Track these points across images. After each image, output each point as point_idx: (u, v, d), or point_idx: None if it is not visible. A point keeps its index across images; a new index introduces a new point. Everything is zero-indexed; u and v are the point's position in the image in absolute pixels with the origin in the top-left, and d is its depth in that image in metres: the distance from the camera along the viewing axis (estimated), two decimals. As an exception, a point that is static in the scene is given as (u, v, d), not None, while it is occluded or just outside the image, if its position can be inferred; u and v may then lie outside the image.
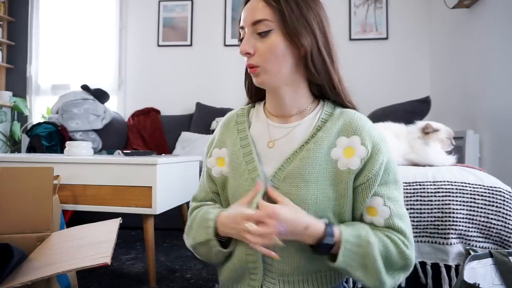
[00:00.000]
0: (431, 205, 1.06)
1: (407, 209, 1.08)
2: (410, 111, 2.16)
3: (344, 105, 0.78)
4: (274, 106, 0.79)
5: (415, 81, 3.08)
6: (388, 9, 3.14)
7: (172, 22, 3.42)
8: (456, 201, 1.05)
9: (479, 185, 1.07)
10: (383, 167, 0.71)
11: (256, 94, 0.85)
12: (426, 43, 3.10)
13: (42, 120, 3.09)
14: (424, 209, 1.07)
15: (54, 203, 1.29)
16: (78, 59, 3.45)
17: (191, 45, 3.39)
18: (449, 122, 2.07)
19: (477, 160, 2.13)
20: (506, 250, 0.98)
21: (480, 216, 1.04)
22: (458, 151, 1.60)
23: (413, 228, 1.08)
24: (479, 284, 0.88)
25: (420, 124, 1.33)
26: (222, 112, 2.98)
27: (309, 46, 0.71)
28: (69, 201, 1.62)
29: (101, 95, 2.96)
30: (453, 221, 1.04)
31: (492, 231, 1.04)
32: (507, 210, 1.03)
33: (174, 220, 2.11)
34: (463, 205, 1.05)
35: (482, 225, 1.04)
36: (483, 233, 1.04)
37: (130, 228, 2.51)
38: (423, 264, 1.08)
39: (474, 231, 1.04)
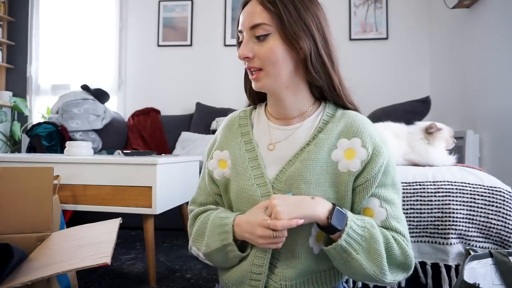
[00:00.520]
0: (431, 205, 1.06)
1: (407, 209, 1.08)
2: (410, 111, 2.16)
3: (345, 107, 0.78)
4: (275, 108, 0.79)
5: (415, 81, 3.08)
6: (388, 9, 3.14)
7: (172, 22, 3.42)
8: (456, 201, 1.05)
9: (479, 185, 1.07)
10: (382, 169, 0.72)
11: (257, 96, 0.85)
12: (426, 43, 3.10)
13: (42, 120, 3.09)
14: (424, 209, 1.07)
15: (54, 203, 1.29)
16: (78, 59, 3.45)
17: (191, 45, 3.39)
18: (449, 122, 2.07)
19: (477, 160, 2.13)
20: (506, 250, 0.98)
21: (480, 216, 1.04)
22: (458, 151, 1.60)
23: (413, 228, 1.08)
24: (479, 284, 0.88)
25: (421, 124, 1.32)
26: (222, 112, 2.98)
27: (308, 49, 0.71)
28: (69, 201, 1.62)
29: (101, 95, 2.96)
30: (453, 221, 1.04)
31: (492, 231, 1.03)
32: (507, 210, 1.03)
33: (174, 220, 2.11)
34: (463, 205, 1.05)
35: (482, 225, 1.04)
36: (483, 233, 1.04)
37: (130, 228, 2.51)
38: (423, 264, 1.08)
39: (474, 231, 1.04)
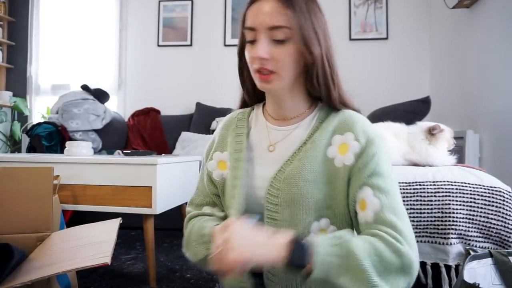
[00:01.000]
0: (431, 205, 1.06)
1: (407, 209, 1.08)
2: (410, 111, 2.15)
3: (338, 108, 0.78)
4: (274, 109, 0.80)
5: (415, 81, 3.08)
6: (388, 9, 3.14)
7: (172, 22, 3.42)
8: (456, 201, 1.05)
9: (479, 185, 1.07)
10: (375, 159, 0.70)
11: (254, 97, 0.85)
12: (426, 43, 3.09)
13: (42, 120, 3.09)
14: (424, 209, 1.07)
15: (54, 203, 1.29)
16: (78, 59, 3.45)
17: (191, 45, 3.39)
18: (449, 122, 2.07)
19: (477, 160, 2.13)
20: (506, 250, 0.98)
21: (480, 216, 1.04)
22: (458, 151, 1.60)
23: (413, 228, 1.08)
24: (479, 284, 0.88)
25: (423, 125, 1.32)
26: (222, 112, 2.98)
27: (319, 54, 0.72)
28: (69, 201, 1.62)
29: (101, 95, 2.96)
30: (453, 221, 1.04)
31: (492, 231, 1.04)
32: (507, 210, 1.03)
33: (174, 220, 2.11)
34: (463, 205, 1.05)
35: (482, 225, 1.04)
36: (483, 233, 1.04)
37: (130, 228, 2.51)
38: (423, 264, 1.08)
39: (474, 231, 1.04)
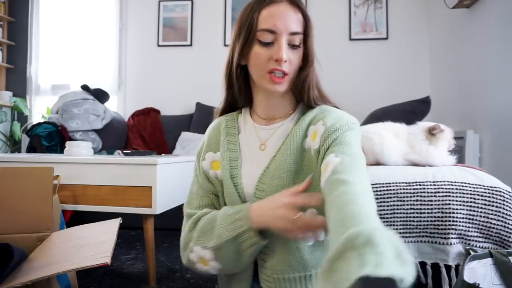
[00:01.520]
0: (431, 205, 1.06)
1: (407, 209, 1.08)
2: (410, 111, 2.15)
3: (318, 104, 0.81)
4: (265, 109, 0.83)
5: (415, 81, 3.08)
6: (388, 9, 3.14)
7: (172, 22, 3.42)
8: (456, 201, 1.05)
9: (479, 185, 1.07)
10: (340, 131, 0.71)
11: (244, 100, 0.86)
12: (426, 43, 3.09)
13: (42, 120, 3.09)
14: (424, 209, 1.07)
15: (54, 203, 1.29)
16: (78, 59, 3.45)
17: (191, 45, 3.39)
18: (449, 122, 2.07)
19: (477, 160, 2.13)
20: (506, 250, 0.98)
21: (480, 216, 1.04)
22: (458, 151, 1.60)
23: (413, 228, 1.08)
24: (479, 284, 0.88)
25: (423, 125, 1.32)
26: (222, 112, 2.97)
27: (313, 60, 0.78)
28: (69, 201, 1.62)
29: (101, 95, 2.96)
30: (453, 221, 1.04)
31: (492, 231, 1.04)
32: (507, 210, 1.03)
33: (174, 220, 2.10)
34: (463, 205, 1.05)
35: (482, 225, 1.04)
36: (483, 233, 1.04)
37: (130, 228, 2.51)
38: (423, 264, 1.08)
39: (474, 231, 1.04)
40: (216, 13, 3.35)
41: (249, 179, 0.78)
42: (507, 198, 1.04)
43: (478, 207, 1.04)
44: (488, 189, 1.06)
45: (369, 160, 1.25)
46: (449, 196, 1.06)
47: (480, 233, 1.04)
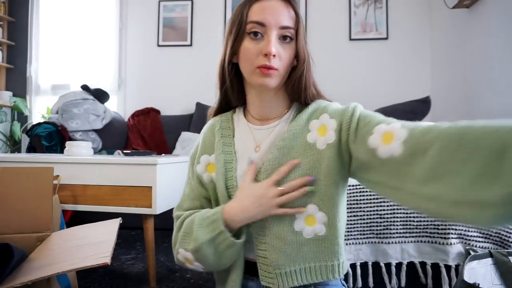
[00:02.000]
0: (431, 205, 1.06)
1: (408, 209, 1.08)
2: (410, 111, 2.16)
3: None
4: (258, 109, 0.81)
5: (415, 81, 3.08)
6: (388, 9, 3.14)
7: (172, 22, 3.42)
8: (456, 201, 1.05)
9: (479, 185, 1.07)
10: (359, 111, 0.71)
11: (237, 99, 0.85)
12: (426, 43, 3.10)
13: (42, 120, 3.09)
14: (424, 209, 1.07)
15: (54, 203, 1.29)
16: (78, 59, 3.45)
17: (191, 45, 3.39)
18: (449, 122, 2.07)
19: (477, 160, 2.13)
20: (506, 250, 0.98)
21: (480, 216, 1.04)
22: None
23: (413, 228, 1.08)
24: (479, 284, 0.88)
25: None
26: (222, 112, 2.98)
27: (306, 58, 0.76)
28: (69, 201, 1.62)
29: (101, 95, 2.95)
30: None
31: (492, 231, 1.04)
32: (507, 210, 1.03)
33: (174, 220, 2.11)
34: (463, 205, 1.04)
35: (482, 225, 1.04)
36: (483, 233, 1.04)
37: (130, 228, 2.51)
38: (423, 264, 1.08)
39: (474, 231, 1.04)
40: (216, 13, 3.35)
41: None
42: (507, 198, 1.04)
43: (478, 207, 1.04)
44: (488, 189, 1.06)
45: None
46: (449, 196, 1.05)
47: (480, 233, 1.04)
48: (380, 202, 1.10)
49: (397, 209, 1.09)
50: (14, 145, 3.44)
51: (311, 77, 0.78)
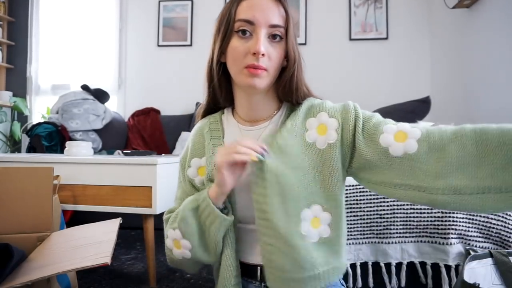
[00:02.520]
0: (431, 205, 1.06)
1: (407, 209, 1.08)
2: (410, 111, 2.16)
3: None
4: (246, 110, 0.79)
5: (415, 81, 3.08)
6: (388, 9, 3.14)
7: (172, 22, 3.42)
8: (456, 201, 1.05)
9: (479, 185, 1.07)
10: (361, 112, 0.72)
11: (225, 100, 0.82)
12: (426, 43, 3.09)
13: (42, 120, 3.09)
14: (424, 209, 1.07)
15: (54, 203, 1.29)
16: (78, 59, 3.45)
17: (191, 45, 3.39)
18: (449, 122, 2.07)
19: (477, 160, 2.13)
20: (506, 250, 0.98)
21: (480, 216, 1.04)
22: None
23: (413, 228, 1.08)
24: (479, 284, 0.88)
25: (425, 125, 1.32)
26: (222, 112, 2.98)
27: (297, 58, 0.73)
28: (69, 201, 1.62)
29: (101, 95, 2.96)
30: (453, 221, 1.04)
31: (492, 231, 1.03)
32: (507, 210, 1.03)
33: (174, 220, 2.11)
34: (463, 205, 1.05)
35: (482, 225, 1.04)
36: (483, 233, 1.04)
37: (130, 228, 2.51)
38: (423, 264, 1.08)
39: (474, 231, 1.04)
40: (216, 13, 3.30)
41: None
42: (507, 198, 1.04)
43: (478, 207, 1.04)
44: (488, 189, 1.06)
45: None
46: (449, 196, 1.05)
47: (480, 233, 1.04)
48: (380, 202, 1.10)
49: (397, 209, 1.09)
50: (14, 145, 3.44)
51: (302, 78, 0.76)
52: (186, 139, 2.96)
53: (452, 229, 1.04)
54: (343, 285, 0.80)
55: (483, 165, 0.57)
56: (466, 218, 1.05)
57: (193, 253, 0.75)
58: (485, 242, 1.04)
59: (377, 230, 1.11)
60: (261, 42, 0.69)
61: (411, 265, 1.11)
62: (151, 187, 1.55)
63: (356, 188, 1.12)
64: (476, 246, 1.04)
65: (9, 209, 1.18)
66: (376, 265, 1.13)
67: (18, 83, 3.51)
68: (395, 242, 1.10)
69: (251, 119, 0.79)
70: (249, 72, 0.70)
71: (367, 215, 1.11)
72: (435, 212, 1.06)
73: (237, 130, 0.79)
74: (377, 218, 1.10)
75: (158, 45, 3.43)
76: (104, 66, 3.43)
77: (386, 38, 3.13)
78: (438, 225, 1.05)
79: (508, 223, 1.03)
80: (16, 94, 3.48)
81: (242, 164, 0.69)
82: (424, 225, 1.07)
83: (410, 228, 1.08)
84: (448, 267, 1.05)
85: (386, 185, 0.66)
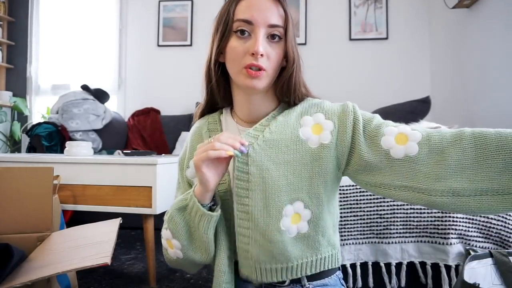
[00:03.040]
0: (431, 205, 1.06)
1: (407, 209, 1.08)
2: (411, 111, 2.16)
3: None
4: (245, 111, 0.78)
5: (415, 81, 3.08)
6: (388, 9, 3.14)
7: (172, 22, 3.42)
8: (456, 201, 1.05)
9: (479, 185, 1.07)
10: (360, 113, 0.71)
11: (224, 100, 0.82)
12: (426, 43, 3.10)
13: (42, 120, 3.09)
14: (424, 209, 1.07)
15: (54, 203, 1.29)
16: (78, 59, 3.45)
17: (191, 45, 3.39)
18: (449, 122, 2.07)
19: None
20: (506, 250, 0.98)
21: (480, 216, 1.04)
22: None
23: (413, 228, 1.08)
24: (479, 284, 0.88)
25: (425, 125, 1.32)
26: (222, 112, 2.98)
27: (296, 59, 0.73)
28: (69, 201, 1.62)
29: (101, 95, 2.96)
30: (453, 221, 1.04)
31: (492, 231, 1.04)
32: (507, 210, 1.03)
33: (174, 220, 2.11)
34: (463, 205, 1.04)
35: (482, 225, 1.04)
36: (483, 233, 1.04)
37: (130, 228, 2.51)
38: (423, 264, 1.08)
39: (474, 231, 1.04)
40: (216, 13, 3.33)
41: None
42: (507, 198, 1.04)
43: (478, 207, 1.04)
44: (488, 189, 1.06)
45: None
46: (449, 196, 1.05)
47: (480, 233, 1.04)
48: (380, 202, 1.10)
49: (397, 209, 1.09)
50: (14, 145, 3.44)
51: (301, 78, 0.75)
52: (186, 139, 2.97)
53: (452, 229, 1.04)
54: (343, 285, 0.80)
55: (481, 168, 0.59)
56: (466, 218, 1.05)
57: (184, 253, 0.75)
58: (485, 242, 1.04)
59: (377, 230, 1.11)
60: (260, 42, 0.69)
61: (411, 265, 1.11)
62: (151, 187, 1.55)
63: (356, 188, 1.12)
64: (476, 246, 1.04)
65: (9, 209, 1.18)
66: (376, 265, 1.13)
67: (18, 83, 3.51)
68: (395, 242, 1.10)
69: (249, 119, 0.78)
70: (248, 73, 0.70)
71: (367, 215, 1.11)
72: (435, 212, 1.06)
73: (236, 130, 0.79)
74: (377, 218, 1.10)
75: (158, 45, 3.43)
76: (104, 66, 3.44)
77: (386, 38, 3.13)
78: (438, 225, 1.05)
79: (508, 223, 1.03)
80: (16, 94, 3.48)
81: (224, 160, 0.68)
82: (424, 225, 1.07)
83: (410, 228, 1.08)
84: (448, 267, 1.05)
85: (385, 187, 0.67)
